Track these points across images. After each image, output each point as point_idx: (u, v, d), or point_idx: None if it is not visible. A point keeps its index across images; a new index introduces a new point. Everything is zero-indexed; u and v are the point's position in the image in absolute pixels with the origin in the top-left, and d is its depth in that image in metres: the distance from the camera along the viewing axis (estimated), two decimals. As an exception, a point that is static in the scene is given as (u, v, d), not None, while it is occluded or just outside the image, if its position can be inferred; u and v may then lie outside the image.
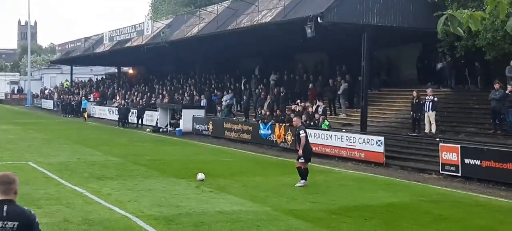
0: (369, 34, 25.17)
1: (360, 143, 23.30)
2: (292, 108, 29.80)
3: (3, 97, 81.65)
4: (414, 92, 24.66)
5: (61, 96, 62.70)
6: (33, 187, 15.42)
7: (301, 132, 17.21)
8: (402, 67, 32.10)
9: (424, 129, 23.86)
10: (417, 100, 24.16)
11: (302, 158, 16.87)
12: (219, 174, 18.93)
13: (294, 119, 19.52)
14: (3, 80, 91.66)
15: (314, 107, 28.76)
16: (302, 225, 12.01)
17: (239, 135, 31.03)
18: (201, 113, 36.74)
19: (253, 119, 32.61)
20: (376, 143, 22.61)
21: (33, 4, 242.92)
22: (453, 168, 19.44)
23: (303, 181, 16.79)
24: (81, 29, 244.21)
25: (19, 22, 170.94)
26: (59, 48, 71.30)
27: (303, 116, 25.00)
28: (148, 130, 38.57)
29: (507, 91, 21.80)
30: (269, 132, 28.51)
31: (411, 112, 24.68)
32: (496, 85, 22.06)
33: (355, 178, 19.59)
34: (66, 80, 72.05)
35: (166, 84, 50.52)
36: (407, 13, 25.46)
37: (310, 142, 18.02)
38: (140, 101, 45.18)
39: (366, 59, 25.42)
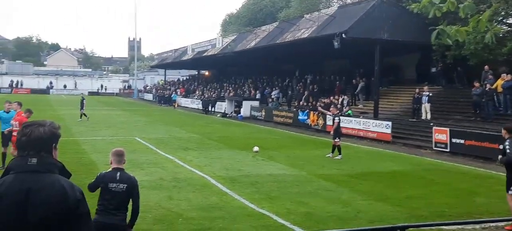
0: (380, 46, 24.71)
1: (373, 126, 22.98)
2: (323, 101, 29.50)
3: (118, 92, 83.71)
4: (416, 89, 24.08)
5: (158, 91, 63.96)
6: (138, 155, 15.83)
7: (336, 118, 17.02)
8: (405, 71, 31.32)
9: (422, 116, 23.30)
10: (417, 95, 23.63)
11: (337, 138, 16.60)
12: (269, 147, 18.99)
13: (331, 108, 19.25)
14: (117, 79, 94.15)
15: (340, 100, 28.40)
16: (329, 186, 11.93)
17: (283, 119, 30.95)
18: (256, 103, 36.85)
19: (294, 108, 32.46)
20: (385, 126, 22.26)
21: (139, 24, 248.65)
22: (443, 145, 19.01)
23: (339, 155, 16.40)
24: (172, 42, 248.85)
25: (129, 38, 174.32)
26: (157, 56, 72.81)
27: (331, 107, 24.72)
28: (218, 115, 38.94)
29: (486, 89, 21.14)
30: (306, 117, 28.37)
31: (412, 104, 24.17)
32: (476, 84, 21.54)
33: (369, 151, 19.34)
34: (161, 80, 73.41)
35: (231, 82, 50.81)
36: (409, 30, 24.76)
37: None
38: (213, 95, 45.57)
39: (378, 64, 24.99)
